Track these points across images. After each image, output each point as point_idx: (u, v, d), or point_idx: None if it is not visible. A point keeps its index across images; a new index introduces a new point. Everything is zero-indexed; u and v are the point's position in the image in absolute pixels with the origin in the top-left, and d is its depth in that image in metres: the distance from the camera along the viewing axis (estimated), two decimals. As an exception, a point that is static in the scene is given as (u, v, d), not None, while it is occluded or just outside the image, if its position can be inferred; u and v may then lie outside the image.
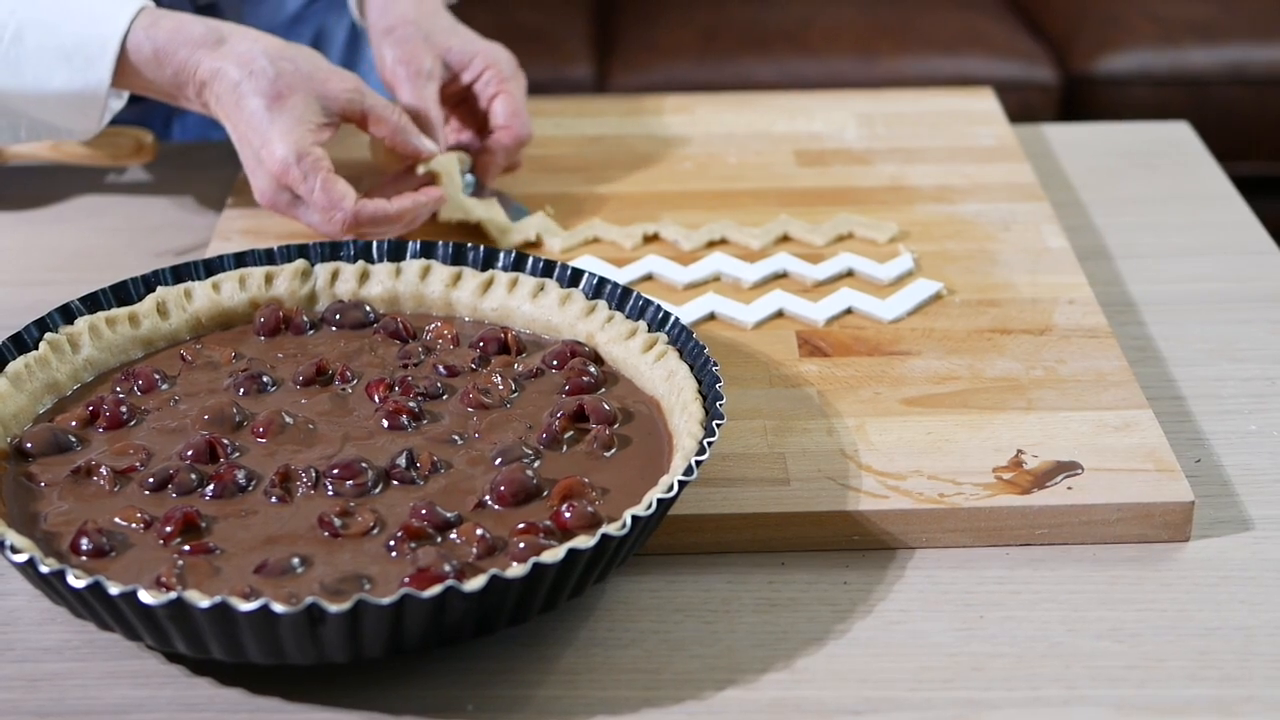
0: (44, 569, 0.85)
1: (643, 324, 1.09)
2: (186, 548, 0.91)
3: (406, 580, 0.87)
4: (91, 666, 0.91)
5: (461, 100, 1.43)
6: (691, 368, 1.04)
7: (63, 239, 1.40)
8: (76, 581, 0.84)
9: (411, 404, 1.03)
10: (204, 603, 0.83)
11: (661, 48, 3.01)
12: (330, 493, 0.96)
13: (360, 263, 1.16)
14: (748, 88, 2.58)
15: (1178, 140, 1.57)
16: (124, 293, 1.12)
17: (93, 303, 1.10)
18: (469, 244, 1.17)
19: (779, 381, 1.14)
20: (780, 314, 1.22)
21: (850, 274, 1.28)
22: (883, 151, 1.49)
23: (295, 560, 0.90)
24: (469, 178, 1.37)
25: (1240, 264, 1.33)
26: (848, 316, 1.22)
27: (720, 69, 2.94)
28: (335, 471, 0.96)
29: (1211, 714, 0.87)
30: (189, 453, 0.99)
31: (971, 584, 0.97)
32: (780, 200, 1.40)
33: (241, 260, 1.16)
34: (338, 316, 1.14)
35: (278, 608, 0.82)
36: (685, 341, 1.06)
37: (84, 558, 0.91)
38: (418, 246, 1.17)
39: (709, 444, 0.94)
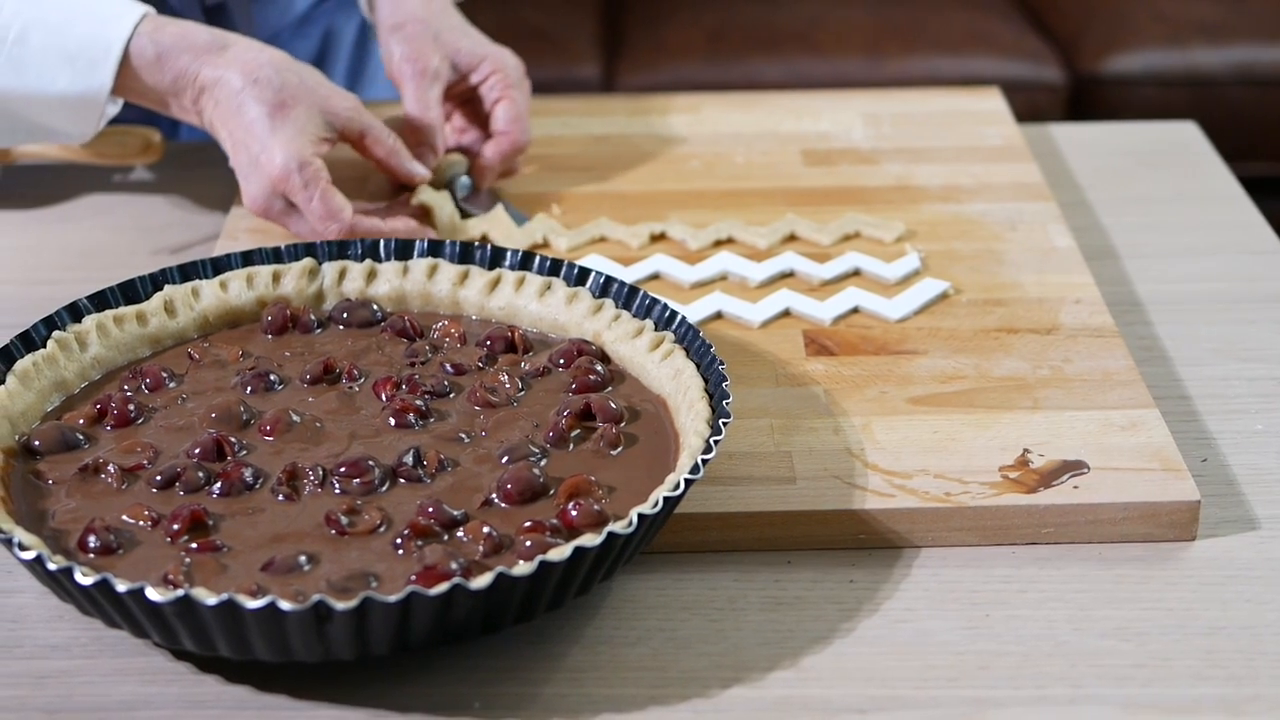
0: (52, 566, 0.86)
1: (649, 323, 1.09)
2: (194, 545, 0.91)
3: (413, 578, 0.87)
4: (99, 664, 0.92)
5: (465, 101, 1.43)
6: (698, 366, 1.04)
7: (71, 237, 1.40)
8: (84, 579, 0.85)
9: (418, 402, 1.03)
10: (211, 600, 0.83)
11: (669, 47, 3.01)
12: (337, 491, 0.96)
13: (368, 261, 1.16)
14: (755, 87, 2.58)
15: (1185, 140, 1.57)
16: (132, 291, 1.12)
17: (101, 301, 1.10)
18: (476, 243, 1.17)
19: (785, 380, 1.14)
20: (787, 313, 1.22)
21: (857, 273, 1.28)
22: (890, 151, 1.49)
23: (302, 558, 0.90)
24: (465, 180, 1.37)
25: (1247, 264, 1.33)
26: (854, 316, 1.22)
27: (727, 69, 2.94)
28: (342, 470, 0.97)
29: (1218, 713, 0.88)
30: (196, 451, 0.99)
31: (977, 583, 0.97)
32: (787, 200, 1.40)
33: (249, 259, 1.16)
34: (345, 315, 1.14)
35: (285, 605, 0.82)
36: (692, 340, 1.06)
37: (91, 555, 0.91)
38: (425, 245, 1.17)
39: (715, 443, 0.94)
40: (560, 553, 0.86)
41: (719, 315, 1.22)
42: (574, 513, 0.92)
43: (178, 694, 0.89)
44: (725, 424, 0.96)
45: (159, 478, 0.97)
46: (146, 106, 1.31)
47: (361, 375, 1.07)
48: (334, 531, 0.92)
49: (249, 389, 1.06)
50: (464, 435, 1.01)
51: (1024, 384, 1.12)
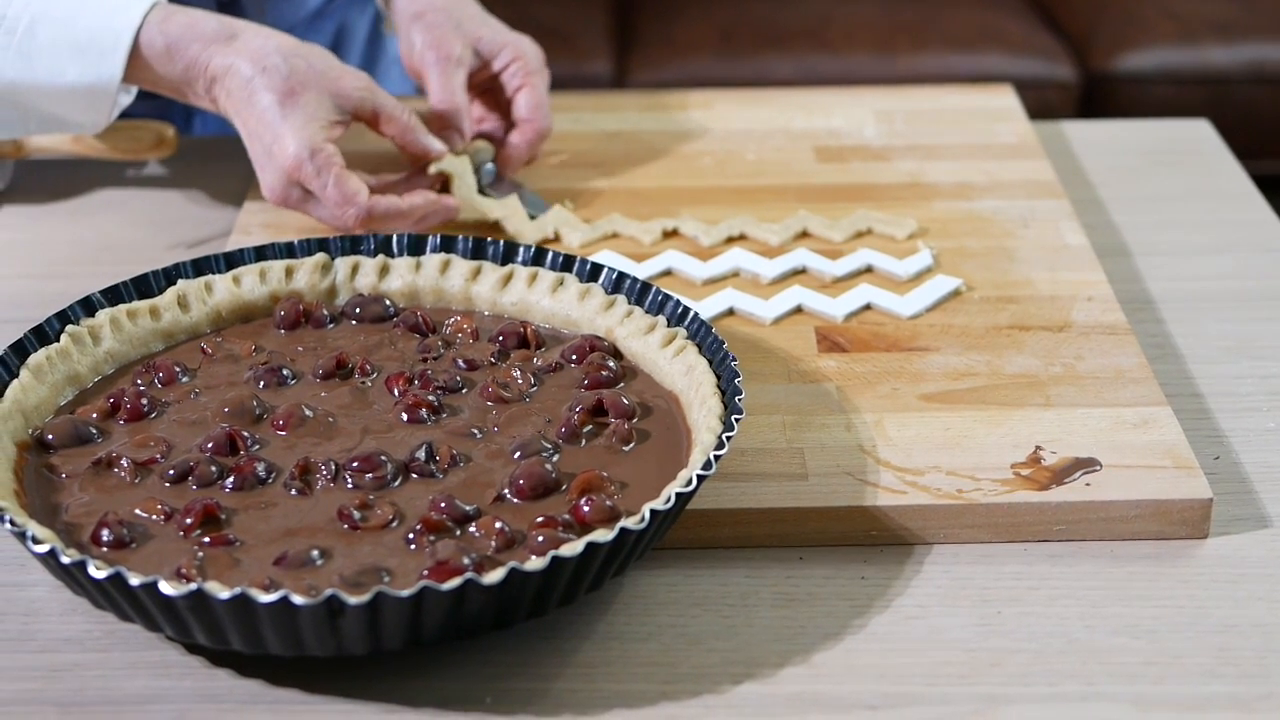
0: (65, 560, 0.86)
1: (662, 319, 1.09)
2: (206, 539, 0.91)
3: (425, 573, 0.87)
4: (112, 657, 0.92)
5: (486, 90, 1.43)
6: (710, 363, 1.04)
7: (84, 232, 1.40)
8: (97, 572, 0.85)
9: (431, 398, 1.03)
10: (224, 594, 0.83)
11: (680, 44, 3.01)
12: (350, 485, 0.96)
13: (380, 257, 1.16)
14: (766, 84, 2.58)
15: (1197, 138, 1.57)
16: (145, 285, 1.12)
17: (114, 295, 1.11)
18: (489, 239, 1.17)
19: (797, 377, 1.14)
20: (799, 309, 1.22)
21: (869, 270, 1.28)
22: (902, 148, 1.49)
23: (315, 552, 0.90)
24: (490, 167, 1.37)
25: (1260, 262, 1.33)
26: (866, 312, 1.22)
27: (739, 65, 2.94)
28: (355, 464, 0.97)
29: (1229, 710, 0.87)
30: (209, 445, 0.99)
31: (989, 580, 0.97)
32: (799, 196, 1.40)
33: (262, 254, 1.16)
34: (358, 310, 1.14)
35: (297, 599, 0.82)
36: (704, 336, 1.06)
37: (105, 549, 0.91)
38: (438, 241, 1.17)
39: (727, 439, 0.95)
40: (572, 548, 0.86)
41: (731, 311, 1.22)
42: (586, 508, 0.93)
43: (190, 688, 0.90)
44: (737, 420, 0.96)
45: (172, 472, 0.97)
46: (164, 94, 1.31)
47: (374, 370, 1.07)
48: (346, 526, 0.93)
49: (262, 384, 1.06)
50: (476, 430, 1.01)
51: (1036, 381, 1.12)
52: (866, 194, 1.40)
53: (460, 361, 1.08)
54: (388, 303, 1.14)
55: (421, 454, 0.98)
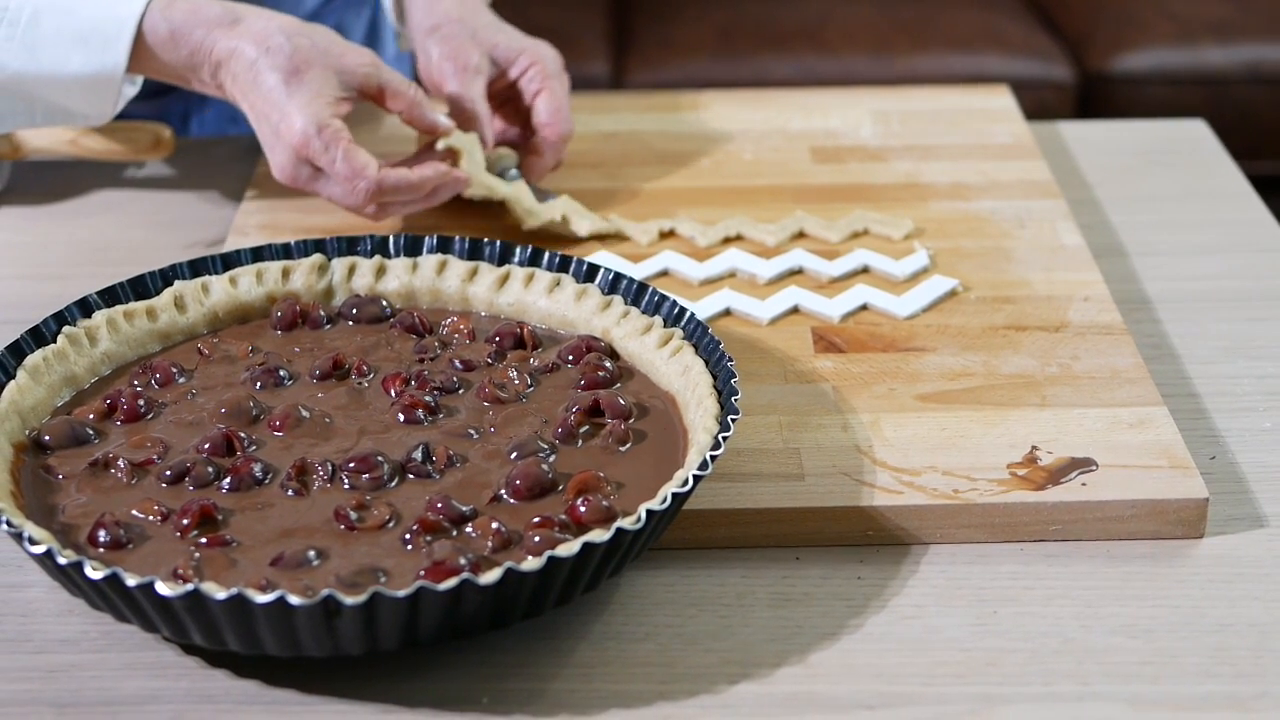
0: (62, 560, 0.86)
1: (658, 319, 1.09)
2: (203, 540, 0.91)
3: (422, 573, 0.88)
4: (109, 658, 0.92)
5: (505, 100, 1.43)
6: (707, 363, 1.04)
7: (81, 233, 1.40)
8: (94, 573, 0.85)
9: (427, 398, 1.03)
10: (220, 594, 0.83)
11: (678, 45, 3.01)
12: (346, 486, 0.96)
13: (377, 257, 1.17)
14: (764, 85, 2.58)
15: (1194, 138, 1.57)
16: (141, 287, 1.12)
17: (111, 296, 1.11)
18: (485, 239, 1.17)
19: (794, 377, 1.14)
20: (795, 310, 1.22)
21: (865, 270, 1.28)
22: (898, 149, 1.49)
23: (311, 553, 0.90)
24: (514, 173, 1.37)
25: (1256, 262, 1.33)
26: (863, 313, 1.22)
27: (736, 66, 2.94)
28: (351, 465, 0.97)
29: (1225, 710, 0.88)
30: (206, 446, 0.99)
31: (985, 579, 0.97)
32: (796, 197, 1.40)
33: (258, 254, 1.16)
34: (354, 311, 1.14)
35: (294, 600, 0.83)
36: (701, 337, 1.06)
37: (101, 549, 0.91)
38: (434, 241, 1.17)
39: (724, 439, 0.95)
40: (569, 548, 0.86)
41: (727, 312, 1.22)
42: (582, 508, 0.93)
43: (187, 688, 0.90)
44: (734, 420, 0.96)
45: (169, 473, 0.97)
46: (169, 82, 1.31)
47: (371, 371, 1.07)
48: (343, 527, 0.93)
49: (258, 384, 1.06)
50: (473, 431, 1.01)
51: (1032, 381, 1.12)
52: (863, 194, 1.40)
53: (457, 362, 1.08)
54: (384, 303, 1.14)
55: (418, 454, 0.98)
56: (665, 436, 1.01)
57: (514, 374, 1.06)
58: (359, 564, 0.90)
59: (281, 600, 0.83)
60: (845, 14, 3.07)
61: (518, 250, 1.16)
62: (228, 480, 0.96)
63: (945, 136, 1.51)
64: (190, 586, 0.83)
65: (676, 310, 1.09)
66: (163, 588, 0.84)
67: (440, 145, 1.32)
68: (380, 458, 0.97)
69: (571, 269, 1.14)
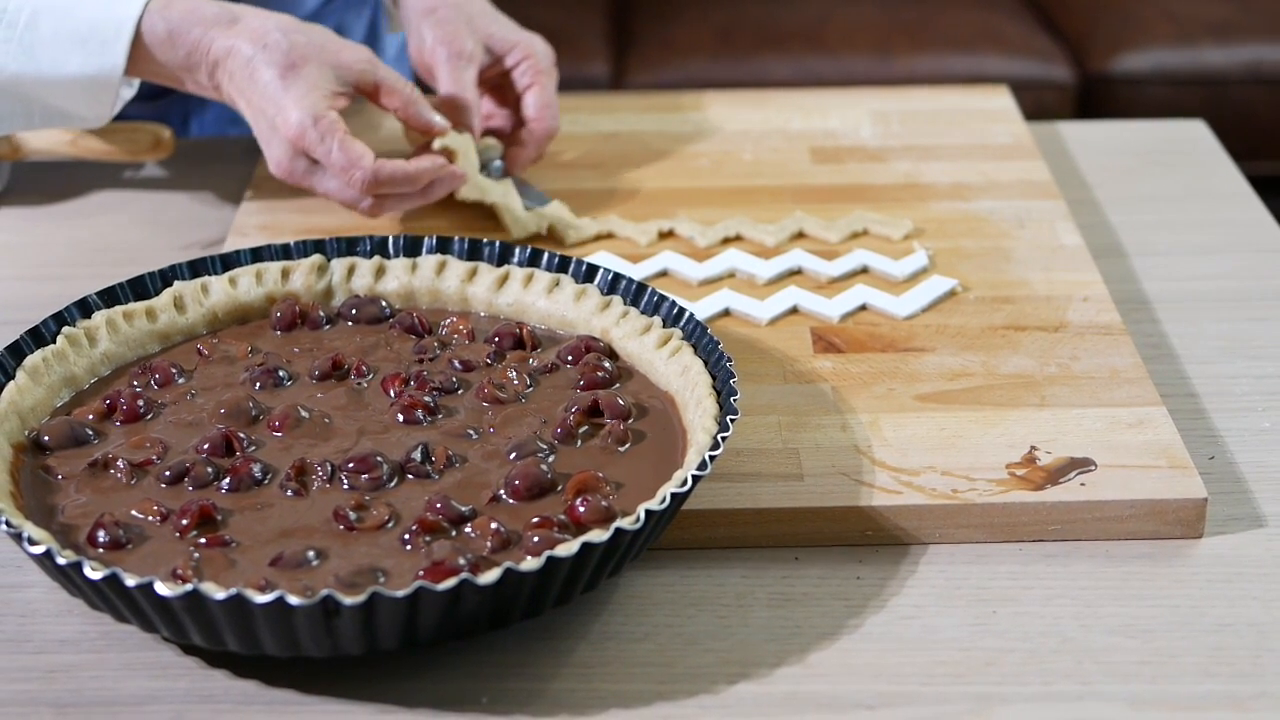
0: (61, 561, 0.86)
1: (657, 319, 1.09)
2: (202, 540, 0.91)
3: (421, 573, 0.88)
4: (108, 658, 0.92)
5: (495, 87, 1.43)
6: (706, 363, 1.04)
7: (80, 234, 1.40)
8: (93, 573, 0.85)
9: (427, 398, 1.03)
10: (220, 595, 0.83)
11: (678, 45, 3.01)
12: (345, 486, 0.96)
13: (376, 258, 1.17)
14: (763, 85, 2.58)
15: (1193, 139, 1.57)
16: (141, 287, 1.12)
17: (110, 297, 1.11)
18: (485, 239, 1.17)
19: (793, 377, 1.14)
20: (795, 310, 1.22)
21: (865, 271, 1.28)
22: (898, 149, 1.49)
23: (310, 553, 0.90)
24: (498, 164, 1.37)
25: (1255, 262, 1.33)
26: (862, 313, 1.22)
27: (736, 67, 2.94)
28: (350, 465, 0.97)
29: (1224, 710, 0.88)
30: (205, 446, 0.99)
31: (984, 579, 0.97)
32: (795, 197, 1.40)
33: (258, 255, 1.16)
34: (354, 311, 1.14)
35: (293, 600, 0.83)
36: (700, 337, 1.06)
37: (101, 550, 0.91)
38: (433, 242, 1.17)
39: (723, 439, 0.95)
40: (568, 548, 0.86)
41: (727, 312, 1.22)
42: (582, 509, 0.93)
43: (186, 688, 0.90)
44: (733, 421, 0.96)
45: (168, 473, 0.97)
46: (163, 84, 1.31)
47: (370, 371, 1.08)
48: (342, 527, 0.93)
49: (258, 385, 1.06)
50: (472, 431, 1.01)
51: (1031, 381, 1.12)
52: (862, 195, 1.40)
53: (456, 362, 1.08)
54: (384, 304, 1.15)
55: (417, 455, 0.98)
56: (664, 437, 1.01)
57: (513, 374, 1.06)
58: (358, 564, 0.90)
59: (281, 600, 0.83)
60: (845, 14, 3.07)
61: (517, 251, 1.16)
62: (227, 480, 0.96)
63: (945, 137, 1.51)
64: (189, 587, 0.83)
65: (676, 310, 1.09)
66: (162, 588, 0.84)
67: (436, 145, 1.32)
68: (379, 458, 0.97)
69: (571, 269, 1.14)
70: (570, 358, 1.08)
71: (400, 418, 1.02)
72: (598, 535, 0.87)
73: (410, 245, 1.17)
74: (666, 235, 1.34)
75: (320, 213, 1.36)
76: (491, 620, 0.87)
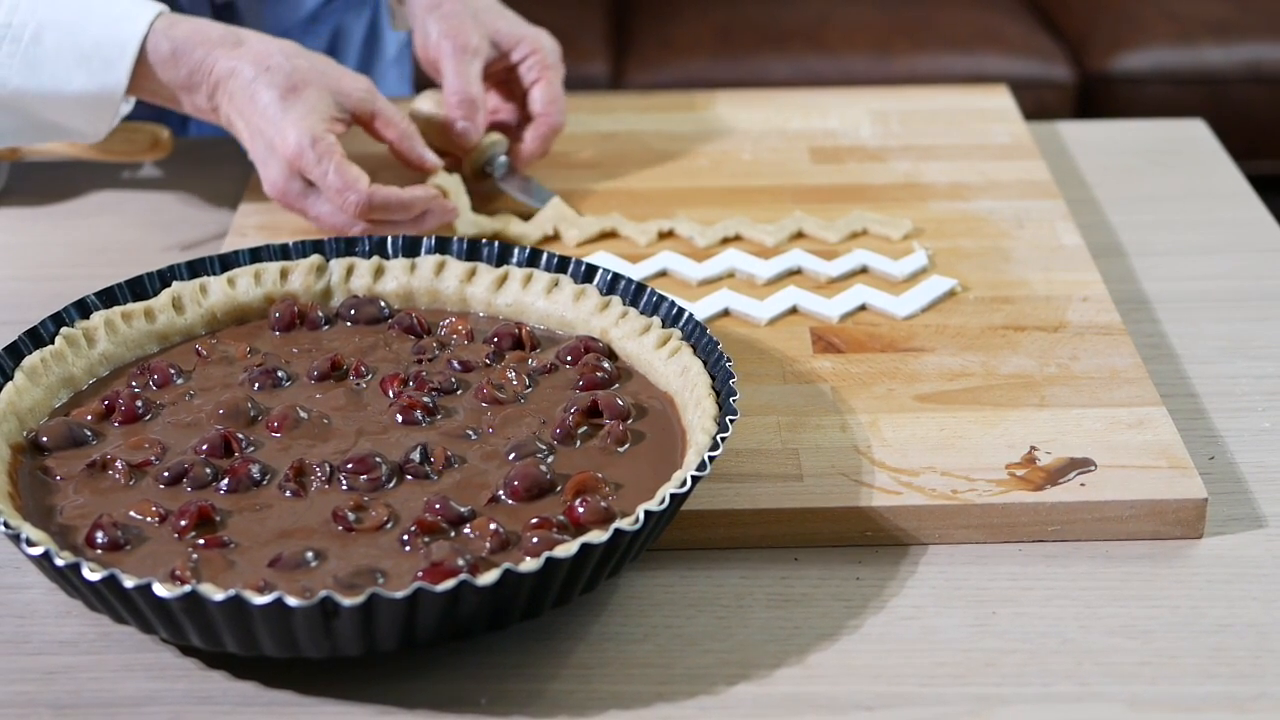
0: (60, 562, 0.86)
1: (657, 320, 1.09)
2: (201, 541, 0.91)
3: (420, 574, 0.87)
4: (107, 659, 0.92)
5: (501, 82, 1.43)
6: (705, 363, 1.04)
7: (79, 234, 1.40)
8: (92, 574, 0.85)
9: (426, 399, 1.03)
10: (218, 596, 0.83)
11: (677, 45, 3.01)
12: (344, 487, 0.96)
13: (375, 258, 1.16)
14: (763, 85, 2.58)
15: (1193, 138, 1.57)
16: (140, 287, 1.12)
17: (108, 297, 1.11)
18: (483, 240, 1.17)
19: (792, 378, 1.14)
20: (794, 310, 1.22)
21: (864, 271, 1.28)
22: (897, 149, 1.49)
23: (309, 554, 0.90)
24: (503, 159, 1.37)
25: (1255, 262, 1.33)
26: (861, 313, 1.22)
27: (736, 66, 2.94)
28: (349, 466, 0.97)
29: (1224, 711, 0.87)
30: (204, 447, 0.99)
31: (984, 580, 0.97)
32: (795, 197, 1.40)
33: (257, 255, 1.16)
34: (352, 312, 1.14)
35: (292, 601, 0.82)
36: (699, 337, 1.06)
37: (99, 551, 0.91)
38: (432, 242, 1.17)
39: (722, 439, 0.95)
40: (567, 549, 0.86)
41: (726, 312, 1.22)
42: (581, 509, 0.93)
43: (185, 690, 0.90)
44: (732, 421, 0.96)
45: (166, 474, 0.97)
46: (160, 104, 1.31)
47: (369, 372, 1.07)
48: (341, 528, 0.93)
49: (256, 385, 1.06)
50: (471, 432, 1.01)
51: (1031, 381, 1.12)
52: (862, 194, 1.40)
53: (455, 363, 1.08)
54: (383, 304, 1.14)
55: (416, 455, 0.98)
56: (663, 437, 1.01)
57: (512, 375, 1.06)
58: (357, 565, 0.90)
59: (279, 601, 0.82)
60: (844, 14, 3.07)
61: (516, 251, 1.16)
62: (226, 481, 0.96)
63: (944, 136, 1.51)
64: (188, 588, 0.83)
65: (675, 310, 1.09)
66: (160, 589, 0.84)
67: (429, 183, 1.32)
68: (378, 459, 0.97)
69: (570, 269, 1.14)
70: (569, 358, 1.08)
71: (399, 418, 1.02)
72: (597, 536, 0.87)
73: (409, 245, 1.17)
74: (666, 235, 1.34)
75: (319, 213, 1.36)
76: (490, 621, 0.87)
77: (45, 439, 1.00)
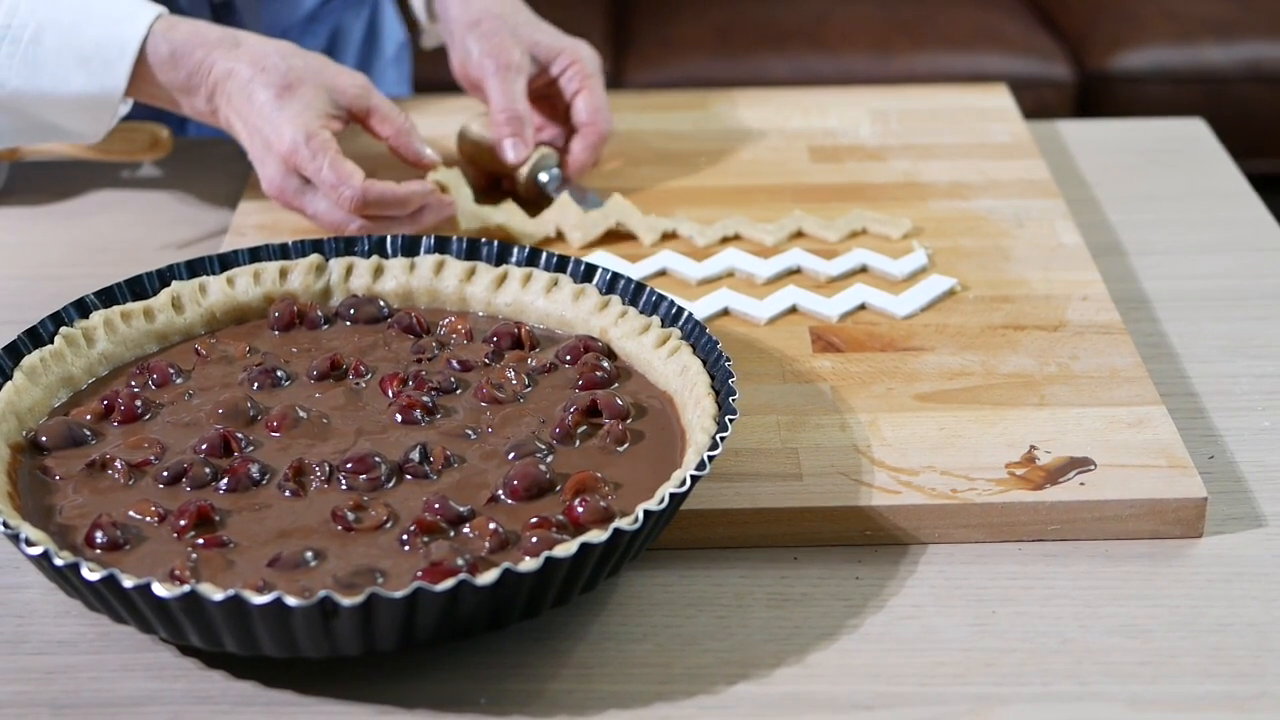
0: (59, 562, 0.86)
1: (656, 319, 1.09)
2: (200, 541, 0.91)
3: (419, 574, 0.87)
4: (106, 659, 0.92)
5: (542, 97, 1.43)
6: (705, 363, 1.04)
7: (78, 233, 1.40)
8: (91, 574, 0.85)
9: (425, 399, 1.03)
10: (217, 596, 0.83)
11: (677, 44, 3.01)
12: (344, 487, 0.96)
13: (375, 258, 1.16)
14: (762, 84, 2.58)
15: (1193, 137, 1.57)
16: (139, 287, 1.12)
17: (108, 297, 1.10)
18: (483, 239, 1.17)
19: (792, 377, 1.14)
20: (794, 310, 1.22)
21: (864, 270, 1.28)
22: (897, 148, 1.49)
23: (309, 554, 0.90)
24: (556, 172, 1.37)
25: (1255, 261, 1.33)
26: (861, 312, 1.22)
27: (735, 65, 2.94)
28: (349, 465, 0.97)
29: (1224, 710, 0.87)
30: (203, 446, 0.99)
31: (984, 579, 0.97)
32: (794, 196, 1.40)
33: (256, 255, 1.16)
34: (352, 311, 1.14)
35: (291, 601, 0.82)
36: (698, 337, 1.06)
37: (98, 551, 0.91)
38: (432, 242, 1.17)
39: (721, 439, 0.94)
40: (566, 549, 0.86)
41: (726, 312, 1.22)
42: (580, 509, 0.93)
43: (184, 689, 0.90)
44: (731, 420, 0.96)
45: (166, 473, 0.97)
46: (157, 105, 1.31)
47: (368, 371, 1.07)
48: (340, 527, 0.93)
49: (256, 385, 1.06)
50: (470, 431, 1.01)
51: (1031, 381, 1.12)
52: (861, 194, 1.40)
53: (454, 362, 1.08)
54: (382, 304, 1.14)
55: (415, 455, 0.98)
56: (663, 437, 1.01)
57: (511, 374, 1.06)
58: (356, 565, 0.90)
59: (279, 601, 0.82)
60: (844, 13, 3.07)
61: (515, 250, 1.16)
62: (225, 481, 0.96)
63: (944, 136, 1.51)
64: (187, 588, 0.83)
65: (674, 310, 1.09)
66: (160, 589, 0.83)
67: (429, 179, 1.32)
68: (378, 458, 0.97)
69: (569, 269, 1.14)
70: (569, 357, 1.08)
71: (398, 418, 1.02)
72: (596, 536, 0.87)
73: (408, 245, 1.17)
74: (667, 235, 1.33)
75: (318, 212, 1.36)
76: (490, 621, 0.87)
77: (44, 438, 1.00)
